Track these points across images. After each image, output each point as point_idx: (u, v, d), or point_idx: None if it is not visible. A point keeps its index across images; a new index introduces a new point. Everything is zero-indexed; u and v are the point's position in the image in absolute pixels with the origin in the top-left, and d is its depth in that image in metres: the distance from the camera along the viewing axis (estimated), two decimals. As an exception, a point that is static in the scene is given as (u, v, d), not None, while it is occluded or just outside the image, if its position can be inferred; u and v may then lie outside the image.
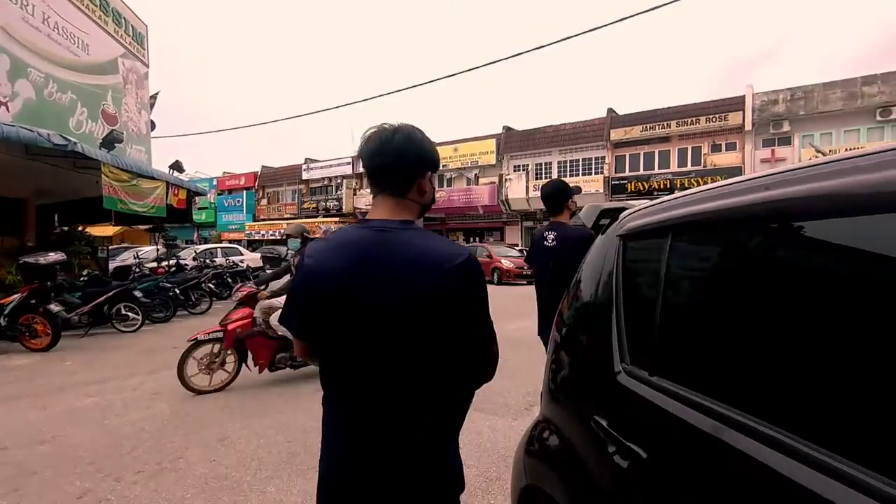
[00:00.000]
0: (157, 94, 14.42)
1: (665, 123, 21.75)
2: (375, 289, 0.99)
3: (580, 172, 24.69)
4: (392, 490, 1.00)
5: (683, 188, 22.04)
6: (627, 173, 23.12)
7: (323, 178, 35.00)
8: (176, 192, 11.17)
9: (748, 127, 19.76)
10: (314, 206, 34.16)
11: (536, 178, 25.86)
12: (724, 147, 20.92)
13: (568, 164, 25.24)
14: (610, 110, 23.98)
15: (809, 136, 19.06)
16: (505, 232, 28.34)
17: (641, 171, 22.78)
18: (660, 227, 1.17)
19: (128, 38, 12.38)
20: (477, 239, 29.42)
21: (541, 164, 26.17)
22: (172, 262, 11.90)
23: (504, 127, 27.35)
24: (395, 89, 31.71)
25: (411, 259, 1.00)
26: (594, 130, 23.96)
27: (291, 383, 4.95)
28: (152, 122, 13.88)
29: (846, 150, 15.48)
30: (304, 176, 35.36)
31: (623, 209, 1.54)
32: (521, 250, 24.20)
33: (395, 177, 1.10)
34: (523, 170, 26.29)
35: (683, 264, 1.11)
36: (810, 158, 1.03)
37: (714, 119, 20.59)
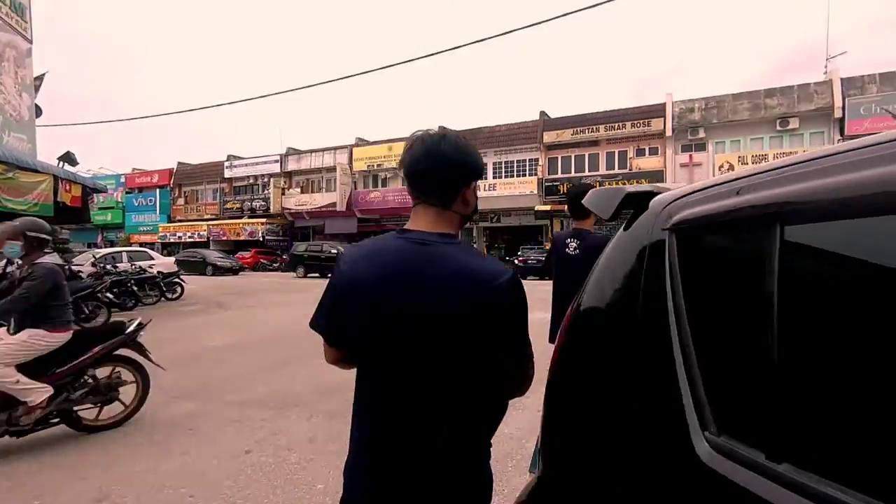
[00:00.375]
0: (43, 74, 12.48)
1: (594, 127, 22.53)
2: (410, 304, 0.96)
3: (515, 174, 25.00)
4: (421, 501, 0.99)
5: (611, 190, 22.97)
6: (560, 175, 23.71)
7: (248, 177, 32.81)
8: (68, 187, 9.64)
9: (668, 133, 20.95)
10: (238, 205, 31.92)
11: (472, 179, 25.79)
12: (647, 151, 22.04)
13: (503, 166, 25.46)
14: (542, 113, 24.47)
15: (721, 142, 20.56)
16: (441, 233, 28.06)
17: (573, 174, 23.45)
18: (756, 213, 0.75)
19: (3, 7, 10.54)
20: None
21: (476, 165, 26.16)
22: (70, 268, 10.21)
23: (440, 127, 26.84)
24: (323, 80, 30.19)
25: (450, 276, 0.96)
26: (528, 133, 24.34)
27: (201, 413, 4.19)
28: (38, 108, 11.97)
29: (752, 156, 16.52)
30: (227, 174, 32.95)
31: (653, 193, 1.12)
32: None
33: (439, 186, 1.05)
34: (459, 170, 26.15)
35: (820, 270, 0.69)
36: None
37: (638, 125, 21.62)
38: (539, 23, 10.79)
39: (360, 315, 1.00)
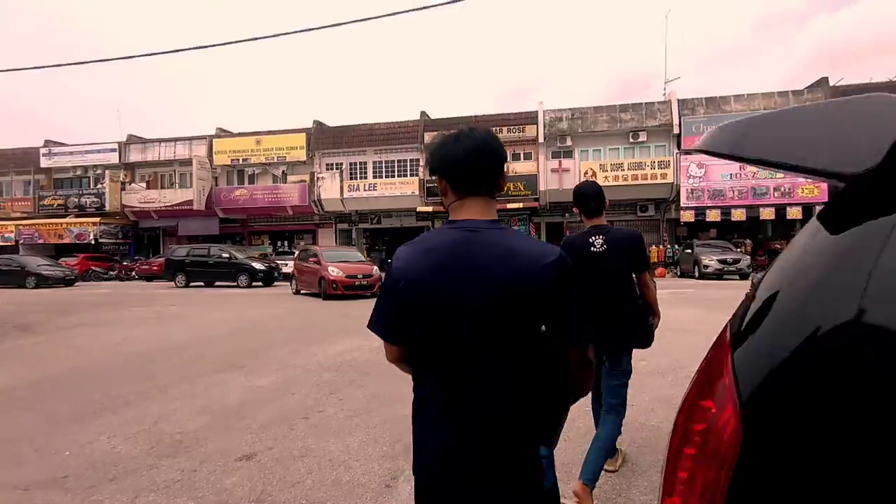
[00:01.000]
0: None
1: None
2: (465, 287, 1.01)
3: (396, 174, 24.39)
4: (483, 487, 1.01)
5: (490, 193, 23.77)
6: (441, 177, 23.68)
7: (74, 168, 27.27)
8: None
9: (541, 139, 22.17)
10: (61, 202, 26.26)
11: (351, 178, 24.61)
12: (522, 156, 23.09)
13: (384, 165, 24.68)
14: (423, 114, 24.26)
15: (586, 151, 22.36)
16: (318, 235, 26.30)
17: (453, 175, 23.58)
18: None
19: None
20: (286, 243, 26.71)
21: (355, 164, 25.01)
22: None
23: (315, 121, 25.33)
24: (167, 50, 26.49)
25: (501, 257, 1.01)
26: (408, 132, 23.92)
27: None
28: None
29: (610, 164, 18.00)
30: (45, 163, 27.04)
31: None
32: (377, 250, 22.59)
33: (489, 178, 1.11)
34: (337, 168, 24.74)
35: None
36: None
37: (514, 130, 22.53)
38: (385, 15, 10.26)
39: (419, 303, 1.04)
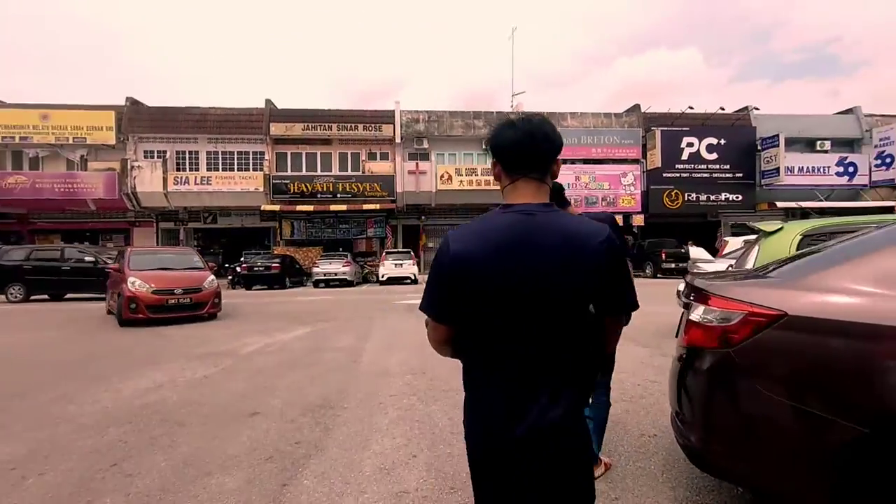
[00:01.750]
0: None
1: (327, 125, 21.37)
2: (529, 269, 1.05)
3: (236, 167, 21.47)
4: (543, 449, 1.08)
5: (346, 193, 22.71)
6: (290, 173, 21.57)
7: None
8: None
9: (398, 140, 21.65)
10: None
11: (178, 169, 20.94)
12: (378, 156, 22.28)
13: (221, 156, 21.53)
14: (269, 102, 21.85)
15: (442, 154, 22.52)
16: (133, 234, 21.81)
17: (304, 171, 21.68)
18: None
19: None
20: (88, 244, 21.47)
21: (184, 153, 21.37)
22: None
23: (129, 99, 20.96)
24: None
25: (559, 240, 1.06)
26: (252, 121, 21.28)
27: None
28: None
29: (465, 169, 18.22)
30: None
31: None
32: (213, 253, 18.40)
33: (542, 162, 1.15)
34: (159, 157, 20.81)
35: None
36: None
37: (371, 128, 21.60)
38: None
39: (481, 284, 1.06)
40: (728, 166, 22.23)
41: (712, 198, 22.09)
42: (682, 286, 2.72)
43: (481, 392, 1.14)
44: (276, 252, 20.37)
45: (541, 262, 1.04)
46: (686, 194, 21.96)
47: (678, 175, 21.91)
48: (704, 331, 1.92)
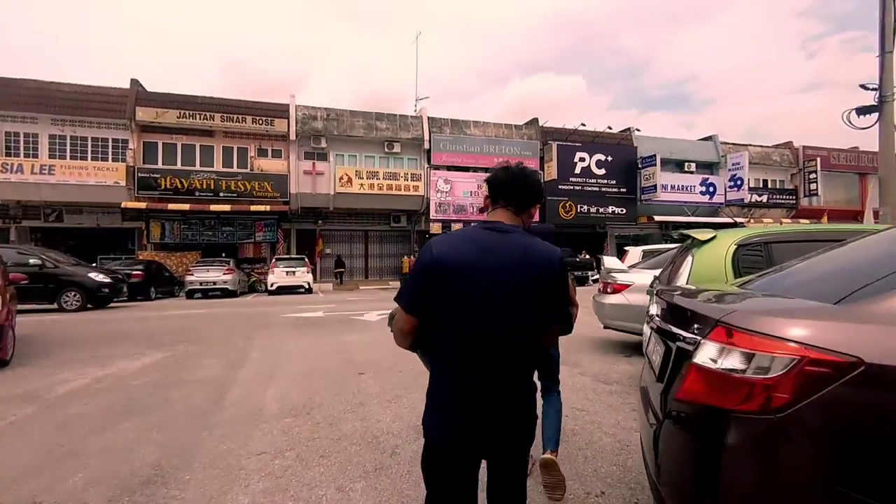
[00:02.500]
0: None
1: (208, 114, 18.93)
2: (492, 271, 1.31)
3: (91, 155, 18.09)
4: (498, 428, 1.32)
5: (231, 192, 20.28)
6: (161, 165, 18.70)
7: None
8: None
9: (292, 136, 19.91)
10: None
11: (8, 154, 17.06)
12: (270, 153, 20.30)
13: (70, 142, 17.98)
14: (135, 82, 18.79)
15: (341, 155, 21.19)
16: (-61, 234, 17.26)
17: (179, 165, 18.95)
18: None
19: None
20: None
21: (17, 135, 17.49)
22: None
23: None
24: None
25: (520, 253, 1.33)
26: (112, 103, 18.09)
27: None
28: None
29: (366, 171, 17.23)
30: None
31: None
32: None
33: (521, 201, 1.47)
34: (-20, 137, 16.74)
35: None
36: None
37: (261, 122, 19.59)
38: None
39: (453, 279, 1.31)
40: (614, 181, 23.90)
41: (601, 210, 23.56)
42: (652, 306, 2.11)
43: (440, 382, 1.38)
44: (140, 257, 17.42)
45: (502, 266, 1.31)
46: (578, 206, 23.14)
47: (572, 188, 23.02)
48: (722, 384, 1.26)
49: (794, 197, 27.20)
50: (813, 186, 26.64)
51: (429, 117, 22.14)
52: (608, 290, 5.39)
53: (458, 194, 21.52)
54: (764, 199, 26.47)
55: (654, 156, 23.51)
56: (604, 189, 23.69)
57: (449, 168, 21.89)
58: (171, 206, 17.87)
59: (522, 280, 1.29)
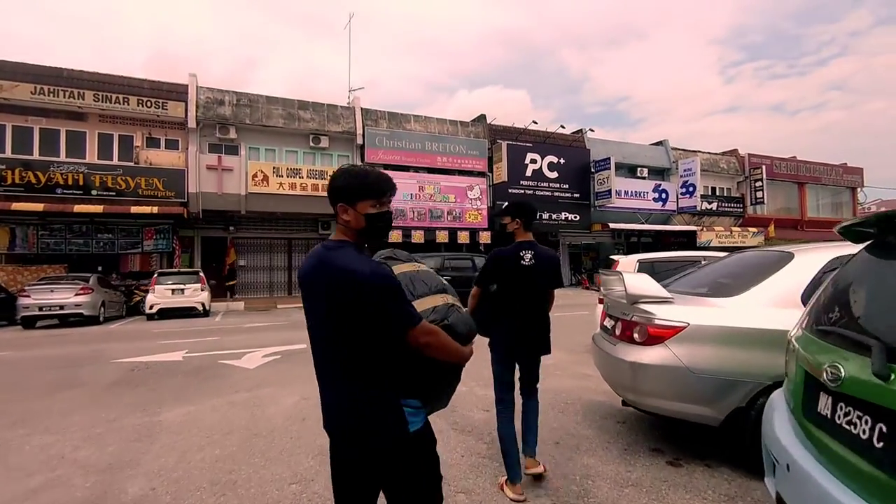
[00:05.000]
0: None
1: (76, 92, 15.01)
2: (315, 294, 1.41)
3: None
4: (345, 427, 1.42)
5: (108, 189, 16.26)
6: (9, 155, 14.53)
7: None
8: None
9: (192, 124, 16.34)
10: None
11: None
12: (163, 143, 16.58)
13: None
14: (-25, 47, 14.55)
15: (256, 149, 17.82)
16: None
17: (36, 155, 14.85)
18: None
19: None
20: None
21: None
22: None
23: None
24: None
25: (334, 271, 1.35)
26: (-64, 70, 13.79)
27: None
28: None
29: (287, 168, 14.08)
30: None
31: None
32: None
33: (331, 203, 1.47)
34: None
35: None
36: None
37: (150, 104, 15.89)
38: None
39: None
40: (567, 186, 22.11)
41: (554, 217, 21.62)
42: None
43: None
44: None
45: (322, 285, 1.38)
46: (530, 212, 21.04)
47: (522, 191, 20.91)
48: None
49: (740, 205, 26.76)
50: (759, 194, 26.32)
51: (363, 109, 19.29)
52: (636, 336, 2.85)
53: (397, 196, 18.63)
54: (713, 206, 25.77)
55: (609, 159, 21.97)
56: (556, 194, 21.80)
57: (386, 167, 19.07)
58: (18, 206, 13.73)
59: (338, 296, 1.35)
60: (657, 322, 2.73)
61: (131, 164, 15.51)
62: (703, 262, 6.03)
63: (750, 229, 25.61)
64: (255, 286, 18.79)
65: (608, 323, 3.37)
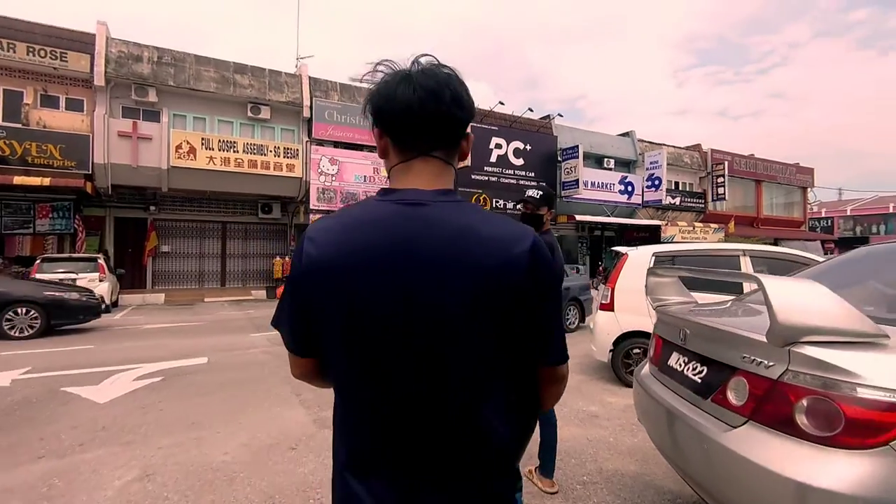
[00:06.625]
0: None
1: (-58, 30, 12.07)
2: (410, 285, 0.71)
3: None
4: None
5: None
6: None
7: None
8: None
9: (100, 81, 13.66)
10: None
11: None
12: (63, 102, 13.81)
13: None
14: None
15: (182, 116, 15.31)
16: None
17: None
18: None
19: None
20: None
21: None
22: None
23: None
24: None
25: (452, 245, 0.72)
26: None
27: None
28: None
29: (219, 140, 11.78)
30: None
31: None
32: None
33: (448, 134, 0.81)
34: None
35: None
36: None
37: (44, 53, 13.10)
38: None
39: (339, 311, 0.73)
40: (533, 174, 20.81)
41: (519, 206, 20.21)
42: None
43: (336, 470, 0.79)
44: None
45: (430, 275, 0.70)
46: (494, 200, 19.64)
47: (487, 178, 19.46)
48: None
49: (702, 201, 26.51)
50: (720, 190, 26.14)
51: (311, 78, 17.09)
52: (802, 422, 1.29)
53: (349, 178, 16.76)
54: (677, 201, 25.34)
55: (577, 147, 20.85)
56: (521, 182, 20.41)
57: (336, 144, 17.04)
58: None
59: (458, 293, 0.70)
60: (871, 396, 1.18)
61: (18, 125, 12.71)
62: (742, 255, 4.64)
63: (711, 225, 25.37)
64: (182, 276, 16.36)
65: (678, 361, 1.82)
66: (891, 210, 39.24)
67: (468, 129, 0.85)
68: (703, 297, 2.58)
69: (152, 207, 15.53)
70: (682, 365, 1.83)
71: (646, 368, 2.24)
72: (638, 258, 4.62)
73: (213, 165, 14.48)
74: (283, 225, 17.66)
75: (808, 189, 32.62)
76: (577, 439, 3.31)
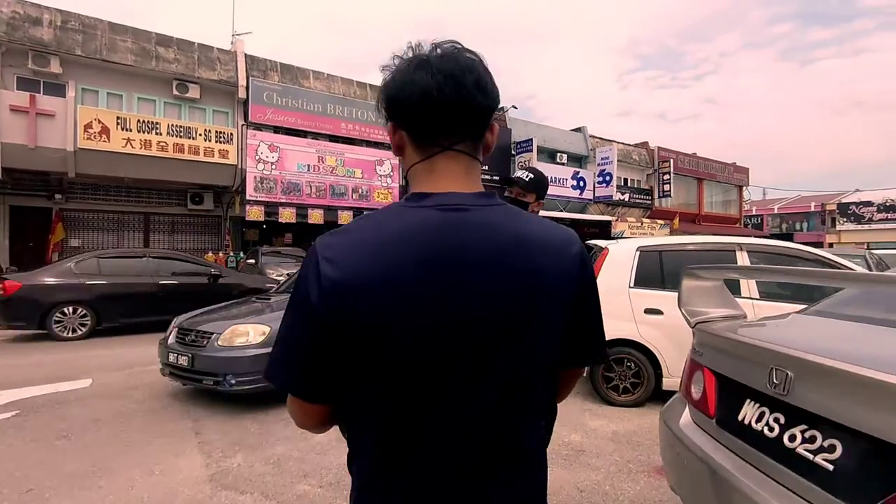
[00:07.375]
0: None
1: None
2: (464, 300, 0.65)
3: None
4: None
5: None
6: None
7: None
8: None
9: (-13, 45, 11.63)
10: None
11: None
12: (-62, 68, 11.65)
13: None
14: None
15: (93, 91, 13.42)
16: None
17: None
18: None
19: None
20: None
21: None
22: None
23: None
24: None
25: (505, 254, 0.68)
26: None
27: None
28: None
29: (139, 120, 10.19)
30: None
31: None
32: None
33: (474, 125, 0.75)
34: None
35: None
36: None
37: (-88, 8, 10.92)
38: None
39: (379, 342, 0.64)
40: (487, 167, 20.20)
41: (508, 191, 19.65)
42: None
43: (391, 494, 0.68)
44: None
45: (491, 286, 0.65)
46: (447, 193, 18.91)
47: (440, 170, 18.66)
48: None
49: (650, 197, 27.09)
50: (666, 187, 26.81)
51: (248, 55, 15.57)
52: None
53: (291, 167, 15.42)
54: (626, 197, 25.72)
55: (531, 140, 20.53)
56: (475, 175, 19.85)
57: (276, 129, 15.64)
58: None
59: (533, 298, 0.67)
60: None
61: None
62: (738, 250, 4.11)
63: (658, 221, 25.96)
64: (96, 274, 14.42)
65: (767, 422, 1.11)
66: (812, 209, 42.34)
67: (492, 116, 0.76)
68: (748, 306, 1.90)
69: (58, 196, 13.56)
70: (778, 429, 1.12)
71: (686, 416, 1.54)
72: (620, 254, 3.99)
73: (130, 149, 12.75)
74: (216, 217, 16.07)
75: (744, 188, 34.33)
76: (565, 490, 2.61)
